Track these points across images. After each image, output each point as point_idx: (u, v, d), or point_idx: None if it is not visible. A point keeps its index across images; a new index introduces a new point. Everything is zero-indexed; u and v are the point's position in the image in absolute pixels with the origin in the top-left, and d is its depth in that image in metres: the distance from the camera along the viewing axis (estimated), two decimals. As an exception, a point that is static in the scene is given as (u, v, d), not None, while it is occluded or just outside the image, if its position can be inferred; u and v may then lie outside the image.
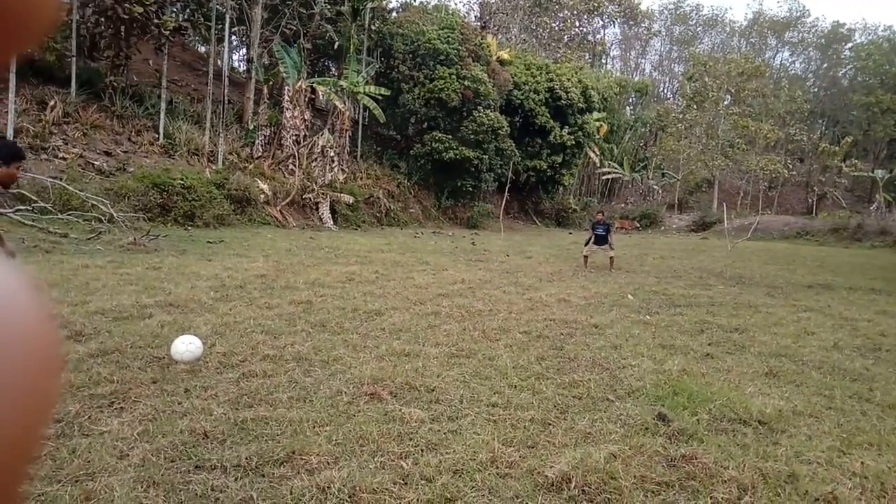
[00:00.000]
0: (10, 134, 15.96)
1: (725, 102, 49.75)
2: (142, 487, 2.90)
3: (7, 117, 16.14)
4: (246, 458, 3.24)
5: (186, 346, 4.78)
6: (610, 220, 15.91)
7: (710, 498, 3.14)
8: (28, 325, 0.30)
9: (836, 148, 51.02)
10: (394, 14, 32.42)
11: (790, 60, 72.56)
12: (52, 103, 18.04)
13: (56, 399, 0.32)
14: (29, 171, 15.14)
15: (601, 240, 14.58)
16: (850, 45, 64.78)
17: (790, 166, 49.73)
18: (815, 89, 66.26)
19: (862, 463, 3.67)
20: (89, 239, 12.16)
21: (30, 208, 13.46)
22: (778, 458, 3.67)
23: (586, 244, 15.02)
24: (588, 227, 15.61)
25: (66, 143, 17.63)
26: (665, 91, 70.94)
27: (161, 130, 21.01)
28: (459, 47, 29.07)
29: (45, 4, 0.33)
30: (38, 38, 0.34)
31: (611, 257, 14.45)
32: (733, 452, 3.72)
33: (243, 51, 36.46)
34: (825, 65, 67.78)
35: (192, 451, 3.32)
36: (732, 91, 49.40)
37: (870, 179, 49.13)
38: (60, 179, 15.13)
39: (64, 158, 16.85)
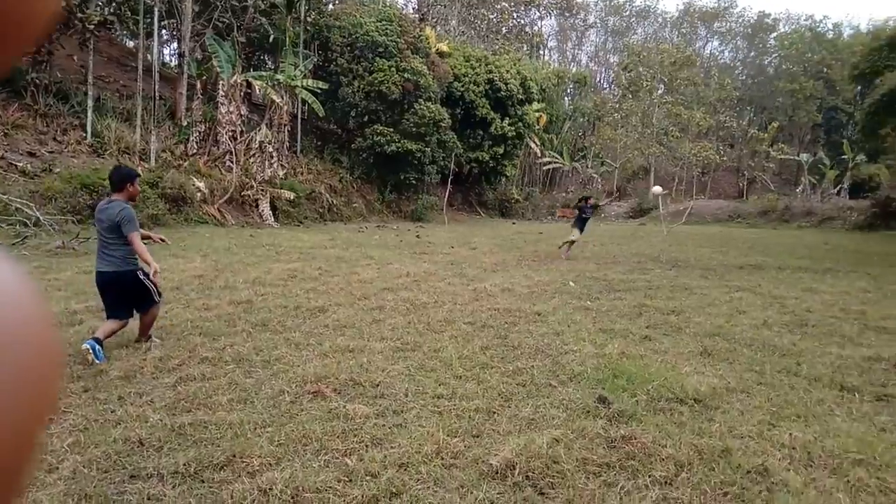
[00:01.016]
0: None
1: (659, 91, 51.17)
2: (73, 501, 2.79)
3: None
4: (184, 465, 3.15)
5: None
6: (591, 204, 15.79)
7: (649, 476, 3.23)
8: (27, 324, 0.30)
9: (764, 134, 53.28)
10: (330, 6, 31.94)
11: (719, 50, 75.24)
12: (-33, 102, 17.04)
13: (56, 398, 0.32)
14: (-56, 174, 14.29)
15: (583, 223, 14.64)
16: (774, 34, 67.65)
17: (721, 152, 51.66)
18: (743, 77, 68.88)
19: (790, 434, 3.84)
20: (14, 244, 11.56)
21: (-54, 214, 12.71)
22: (712, 435, 3.81)
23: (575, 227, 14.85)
24: (576, 206, 15.61)
25: (-15, 144, 16.71)
26: (601, 81, 72.31)
27: (89, 129, 20.11)
28: (398, 39, 28.89)
29: (42, 6, 0.33)
30: (34, 39, 0.34)
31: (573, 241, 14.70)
32: (670, 431, 3.84)
33: (174, 45, 35.22)
34: (752, 53, 70.55)
35: (126, 460, 3.21)
36: (665, 80, 50.83)
37: (796, 163, 51.50)
38: (-21, 182, 14.34)
39: (-17, 160, 15.96)
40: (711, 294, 9.58)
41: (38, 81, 19.20)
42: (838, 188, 47.47)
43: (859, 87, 41.38)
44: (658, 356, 5.68)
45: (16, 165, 16.59)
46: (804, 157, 49.02)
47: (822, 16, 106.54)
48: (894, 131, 26.37)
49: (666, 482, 3.21)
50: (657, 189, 17.08)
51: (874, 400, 4.66)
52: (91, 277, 8.57)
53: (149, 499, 2.86)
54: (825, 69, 56.65)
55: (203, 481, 3.05)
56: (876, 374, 5.32)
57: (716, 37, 73.92)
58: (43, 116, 19.23)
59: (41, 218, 13.37)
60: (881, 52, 22.83)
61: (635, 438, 3.64)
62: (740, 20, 71.84)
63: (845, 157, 45.83)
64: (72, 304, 6.81)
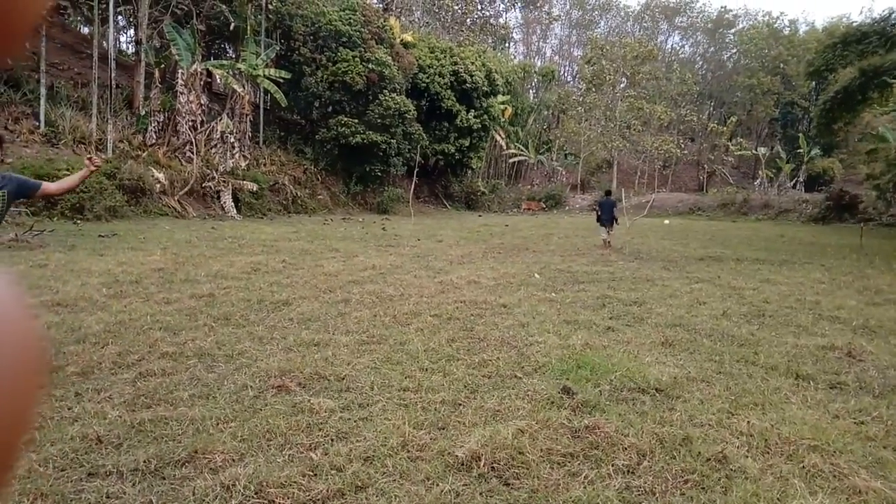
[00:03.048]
0: None
1: (622, 85, 51.79)
2: (28, 500, 2.70)
3: None
4: (144, 462, 3.08)
5: None
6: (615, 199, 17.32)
7: (612, 465, 3.28)
8: (9, 324, 0.32)
9: (723, 128, 54.39)
10: (293, -6, 31.41)
11: (680, 44, 76.49)
12: (-90, 89, 16.33)
13: (39, 396, 0.34)
14: None
15: (610, 220, 15.54)
16: (733, 29, 68.98)
17: (682, 146, 52.53)
18: (703, 72, 70.15)
19: (748, 422, 3.94)
20: (-38, 237, 11.16)
21: None
22: (673, 423, 3.88)
23: (602, 226, 15.76)
24: (596, 207, 16.72)
25: (-70, 133, 16.04)
26: (566, 74, 72.89)
27: (42, 118, 19.49)
28: (362, 29, 28.62)
29: (29, 7, 0.33)
30: (24, 39, 0.35)
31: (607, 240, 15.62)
32: (633, 420, 3.90)
33: (131, 32, 34.30)
34: (712, 48, 71.87)
35: (83, 457, 3.13)
36: (628, 74, 51.44)
37: (753, 157, 52.75)
38: (-75, 172, 13.76)
39: (-72, 149, 15.32)
40: (673, 285, 9.75)
41: (-14, 68, 18.47)
42: (794, 181, 48.85)
43: (814, 83, 42.56)
44: (621, 346, 5.76)
45: (-36, 155, 15.97)
46: (762, 150, 50.31)
47: (779, 12, 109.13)
48: (847, 127, 27.20)
49: (629, 471, 3.26)
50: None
51: (828, 388, 4.80)
52: (46, 271, 8.34)
53: (108, 497, 2.79)
54: (782, 65, 58.05)
55: (164, 478, 2.99)
56: (829, 362, 5.48)
57: (677, 31, 75.13)
58: (-8, 104, 18.56)
59: (-8, 210, 12.90)
60: (835, 50, 23.49)
61: (598, 428, 3.68)
62: (701, 15, 73.13)
63: (801, 151, 47.14)
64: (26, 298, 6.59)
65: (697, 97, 61.96)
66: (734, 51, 67.70)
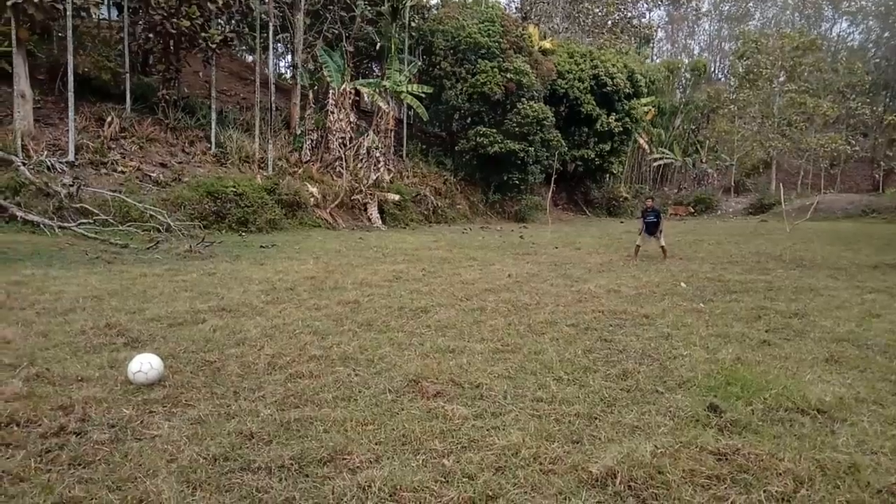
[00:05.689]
0: (71, 151, 16.72)
1: (780, 80, 47.79)
2: (189, 489, 2.98)
3: (69, 135, 16.91)
4: (290, 459, 3.28)
5: (139, 369, 4.40)
6: (662, 207, 15.90)
7: (764, 492, 3.02)
8: None
9: (903, 120, 48.40)
10: (433, 11, 32.41)
11: (848, 31, 69.37)
12: (108, 119, 18.80)
13: None
14: (90, 185, 15.81)
15: (652, 227, 14.25)
16: (913, 10, 61.33)
17: (852, 142, 47.38)
18: (877, 60, 62.96)
19: (931, 452, 3.46)
20: (148, 248, 12.62)
21: (91, 221, 14.07)
22: (838, 449, 3.51)
23: (640, 233, 14.69)
24: (639, 214, 15.91)
25: (124, 157, 18.34)
26: (716, 71, 68.75)
27: (213, 140, 21.61)
28: (500, 40, 28.87)
29: None
30: None
31: (661, 246, 14.08)
32: (789, 443, 3.57)
33: (288, 57, 37.14)
34: (886, 34, 64.33)
35: (238, 452, 3.39)
36: (787, 67, 47.38)
37: (942, 151, 46.48)
38: (120, 192, 15.75)
39: (122, 172, 17.53)
40: (840, 296, 8.84)
41: (168, 97, 20.86)
42: None
43: None
44: (777, 363, 5.30)
45: (149, 176, 18.10)
46: (953, 143, 44.17)
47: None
48: None
49: (783, 499, 2.98)
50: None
51: None
52: (214, 279, 9.18)
53: (258, 490, 3.00)
54: (976, 45, 50.68)
55: (307, 476, 3.16)
56: None
57: (844, 17, 68.12)
58: (173, 130, 20.89)
59: (172, 224, 14.50)
60: None
61: (749, 450, 3.41)
62: (873, -2, 65.75)
63: None
64: (197, 303, 7.31)
65: (870, 88, 55.56)
66: (914, 34, 60.13)
